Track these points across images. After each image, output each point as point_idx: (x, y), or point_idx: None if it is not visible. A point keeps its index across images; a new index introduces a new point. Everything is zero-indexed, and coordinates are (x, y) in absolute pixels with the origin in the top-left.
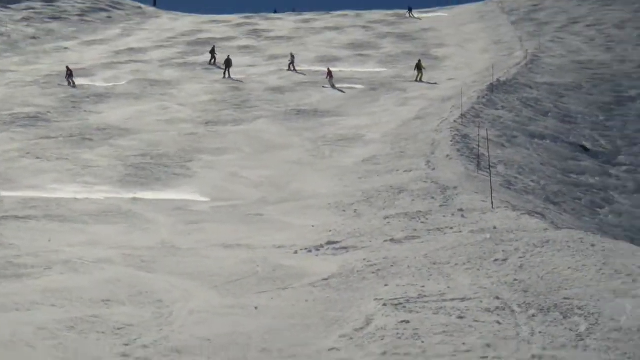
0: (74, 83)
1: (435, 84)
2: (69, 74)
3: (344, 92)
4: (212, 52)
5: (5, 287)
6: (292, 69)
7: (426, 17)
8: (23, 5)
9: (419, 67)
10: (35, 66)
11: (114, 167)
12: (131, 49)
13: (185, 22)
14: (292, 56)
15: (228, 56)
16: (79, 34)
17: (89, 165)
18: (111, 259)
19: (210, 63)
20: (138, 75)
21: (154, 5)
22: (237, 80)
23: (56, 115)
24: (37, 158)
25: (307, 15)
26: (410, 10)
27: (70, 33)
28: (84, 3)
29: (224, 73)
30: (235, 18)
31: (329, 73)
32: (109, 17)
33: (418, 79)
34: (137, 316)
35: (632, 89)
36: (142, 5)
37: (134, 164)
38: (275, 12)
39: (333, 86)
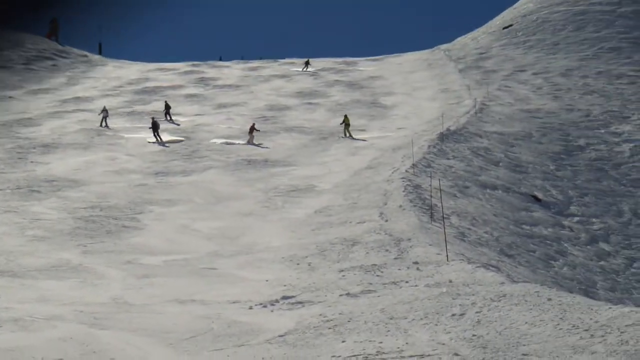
0: None
1: (365, 140)
2: None
3: (268, 147)
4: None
5: None
6: (168, 118)
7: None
8: None
9: (345, 122)
10: None
11: (63, 219)
12: (78, 98)
13: (131, 70)
14: (167, 106)
15: (153, 118)
16: (24, 82)
17: (38, 218)
18: (63, 316)
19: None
20: (85, 124)
21: (100, 53)
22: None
23: (2, 166)
24: None
25: (255, 63)
26: (307, 63)
27: (15, 82)
28: (29, 52)
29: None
30: (182, 66)
31: (252, 128)
32: (55, 66)
33: (346, 135)
34: None
35: (580, 138)
36: (88, 54)
37: (84, 217)
38: (220, 59)
39: (249, 141)
